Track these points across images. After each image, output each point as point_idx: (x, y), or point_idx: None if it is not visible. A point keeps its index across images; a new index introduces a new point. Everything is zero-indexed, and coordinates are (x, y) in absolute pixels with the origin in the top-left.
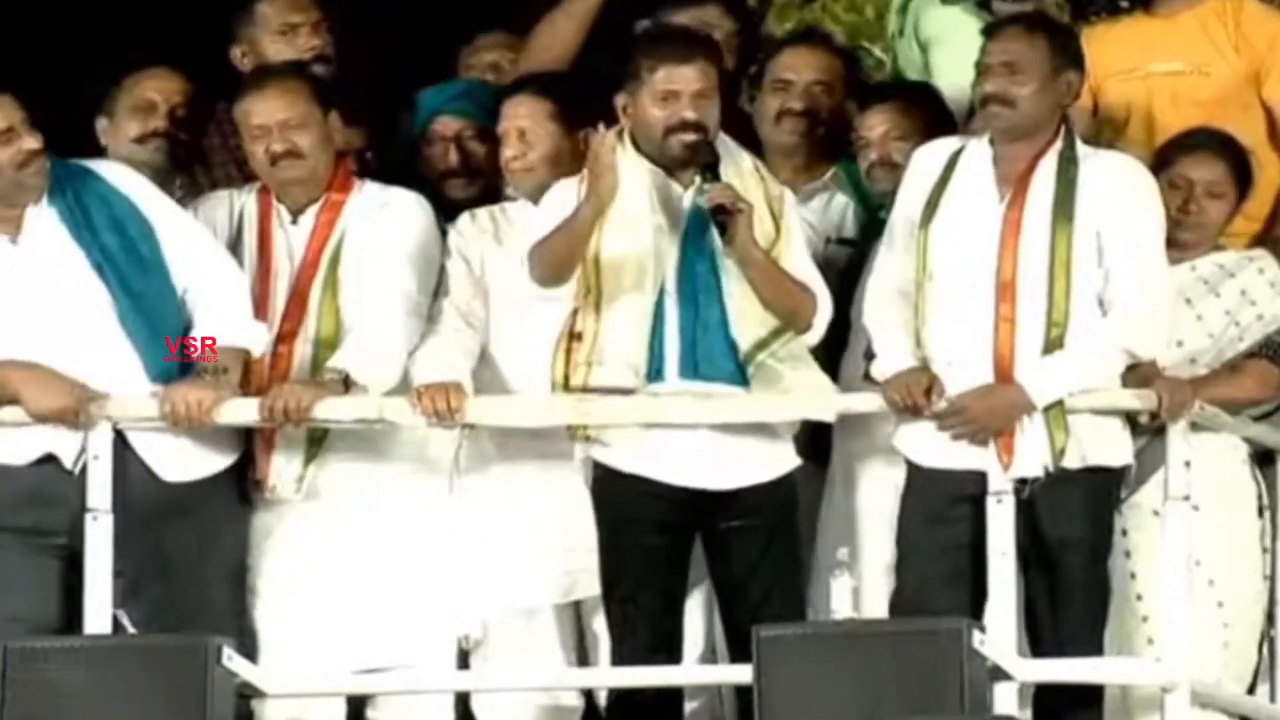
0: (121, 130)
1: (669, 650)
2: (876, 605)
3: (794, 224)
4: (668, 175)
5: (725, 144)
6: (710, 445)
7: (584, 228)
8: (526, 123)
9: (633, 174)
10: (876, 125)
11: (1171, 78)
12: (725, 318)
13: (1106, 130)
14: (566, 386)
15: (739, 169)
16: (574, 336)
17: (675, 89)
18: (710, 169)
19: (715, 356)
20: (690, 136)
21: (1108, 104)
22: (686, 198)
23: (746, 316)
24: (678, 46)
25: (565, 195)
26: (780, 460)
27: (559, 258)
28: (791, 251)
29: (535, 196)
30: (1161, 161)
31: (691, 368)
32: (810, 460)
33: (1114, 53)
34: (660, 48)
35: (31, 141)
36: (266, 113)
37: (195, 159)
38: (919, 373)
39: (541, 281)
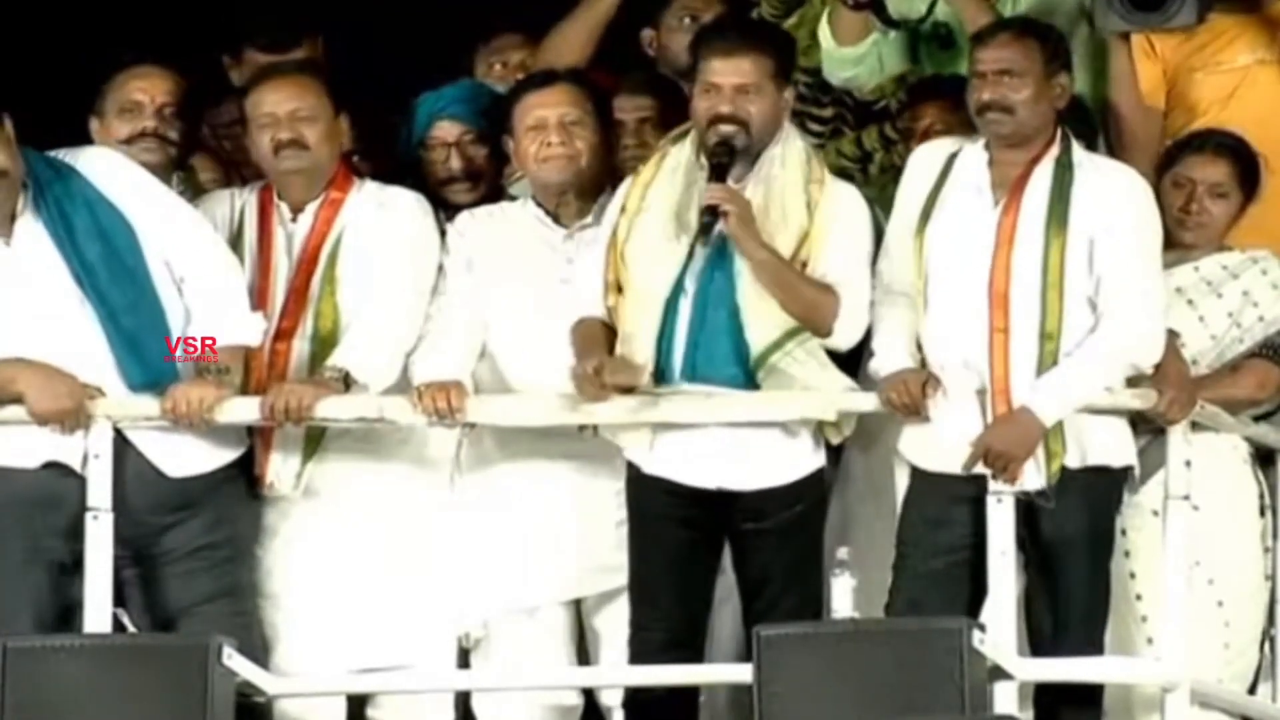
0: (111, 131)
1: (686, 648)
2: (875, 605)
3: (835, 218)
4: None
5: (787, 132)
6: (728, 447)
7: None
8: (573, 111)
9: (679, 171)
10: (923, 118)
11: (1258, 68)
12: (736, 321)
13: (1179, 120)
14: None
15: (784, 160)
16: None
17: (716, 81)
18: (718, 170)
19: (716, 359)
20: (725, 129)
21: (1192, 97)
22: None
23: (760, 318)
24: (723, 39)
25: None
26: (799, 462)
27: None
28: (826, 247)
29: (565, 188)
30: (1168, 160)
31: (692, 370)
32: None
33: (1200, 48)
34: (710, 40)
35: None
36: (276, 102)
37: (190, 156)
38: (915, 372)
39: None
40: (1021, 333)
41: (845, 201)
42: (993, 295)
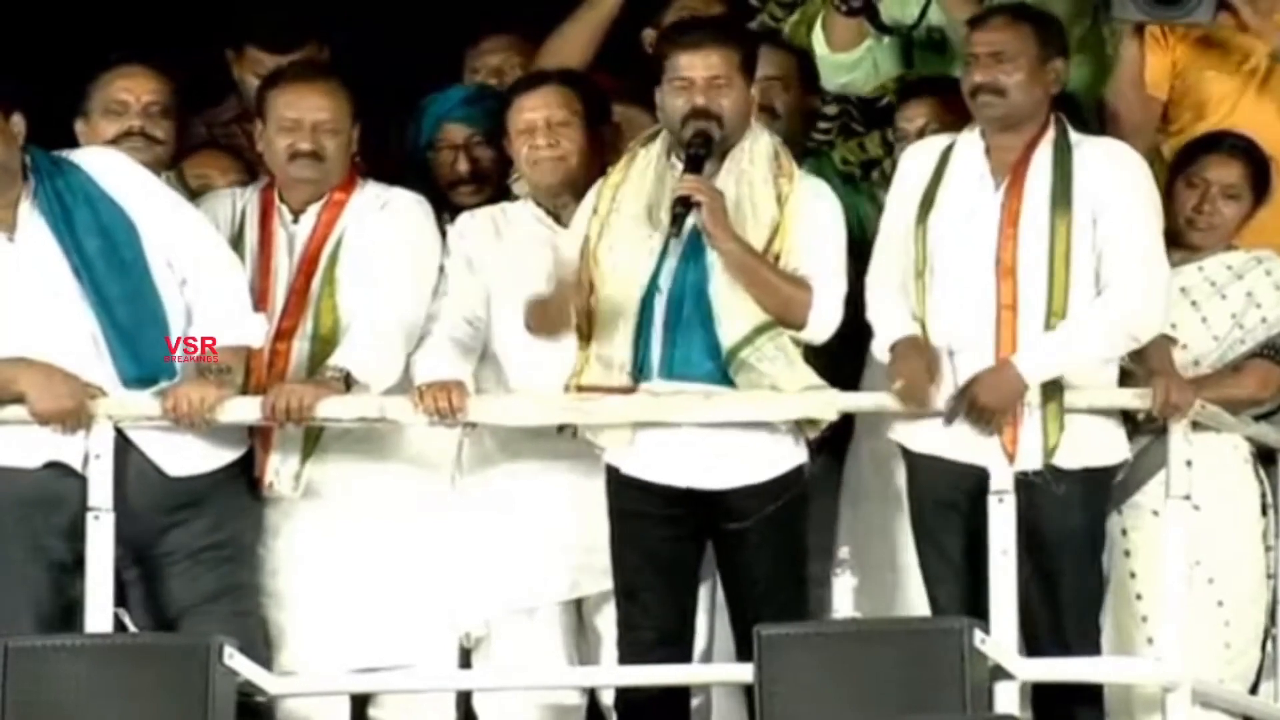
0: (97, 131)
1: (674, 646)
2: (878, 604)
3: (806, 212)
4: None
5: (752, 128)
6: (707, 445)
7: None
8: (559, 112)
9: (650, 170)
10: (915, 117)
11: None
12: (709, 316)
13: (1185, 117)
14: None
15: (752, 155)
16: (584, 334)
17: (688, 76)
18: (694, 162)
19: (692, 356)
20: (701, 123)
21: (1202, 95)
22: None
23: (732, 313)
24: (690, 34)
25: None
26: (780, 459)
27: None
28: (798, 241)
29: (558, 190)
30: (1182, 161)
31: (669, 368)
32: (828, 458)
33: (1213, 46)
34: (675, 36)
35: None
36: (305, 109)
37: (178, 155)
38: (918, 355)
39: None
40: (1029, 310)
41: (815, 195)
42: (1000, 272)
